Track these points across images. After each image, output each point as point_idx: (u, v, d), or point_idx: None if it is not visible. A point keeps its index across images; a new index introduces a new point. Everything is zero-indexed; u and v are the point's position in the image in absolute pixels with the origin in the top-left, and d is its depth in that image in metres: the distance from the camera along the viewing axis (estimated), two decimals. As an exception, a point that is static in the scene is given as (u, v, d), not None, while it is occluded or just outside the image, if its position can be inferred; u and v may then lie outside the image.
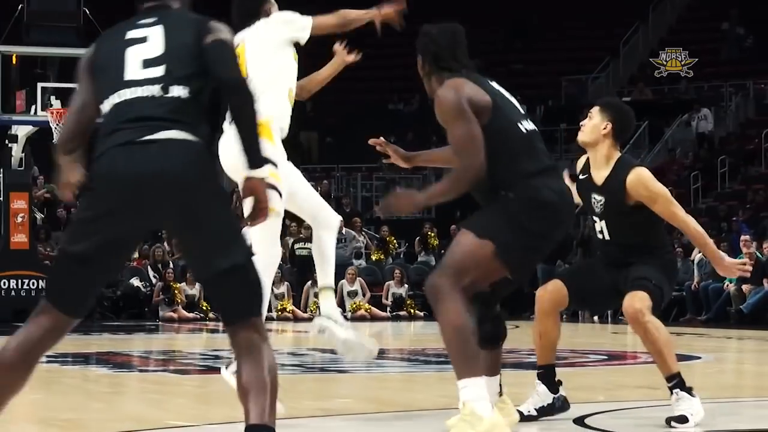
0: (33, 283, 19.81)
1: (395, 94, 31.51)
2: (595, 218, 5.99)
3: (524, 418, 5.68)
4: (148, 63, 3.87)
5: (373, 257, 23.24)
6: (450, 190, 5.06)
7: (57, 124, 18.55)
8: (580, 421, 5.83)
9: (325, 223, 6.20)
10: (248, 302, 3.88)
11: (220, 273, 3.80)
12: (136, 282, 20.97)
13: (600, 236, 6.00)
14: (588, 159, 6.02)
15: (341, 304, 19.81)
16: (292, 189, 5.99)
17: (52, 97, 18.94)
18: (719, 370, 10.42)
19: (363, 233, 23.75)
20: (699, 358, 11.15)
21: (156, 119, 3.81)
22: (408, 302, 21.28)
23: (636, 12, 31.22)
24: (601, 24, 31.96)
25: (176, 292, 20.54)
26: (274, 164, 5.56)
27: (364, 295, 21.30)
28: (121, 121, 3.84)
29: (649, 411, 6.02)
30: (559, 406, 5.87)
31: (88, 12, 19.73)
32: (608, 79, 31.16)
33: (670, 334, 5.77)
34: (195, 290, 20.71)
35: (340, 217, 6.38)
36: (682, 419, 5.58)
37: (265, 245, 5.53)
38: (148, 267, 21.41)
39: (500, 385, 5.52)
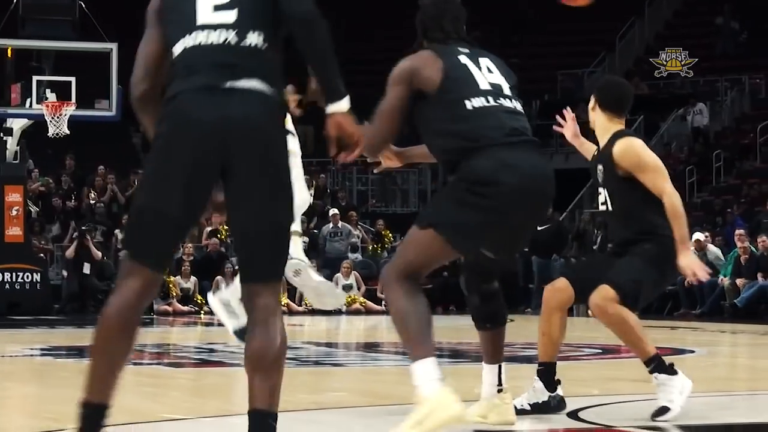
0: (27, 276, 19.83)
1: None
2: (600, 189, 6.06)
3: (517, 412, 5.65)
4: (218, 7, 3.80)
5: (369, 251, 23.26)
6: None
7: (52, 117, 18.54)
8: (573, 414, 5.83)
9: None
10: (278, 264, 3.85)
11: (266, 229, 3.76)
12: (130, 275, 20.95)
13: (604, 207, 6.06)
14: None
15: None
16: None
17: (48, 90, 18.92)
18: (713, 363, 10.44)
19: (359, 227, 23.77)
20: (693, 352, 11.18)
21: (234, 66, 3.75)
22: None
23: (632, 7, 31.27)
24: (597, 18, 31.91)
25: (171, 285, 20.54)
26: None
27: (359, 289, 21.32)
28: (197, 64, 3.77)
29: (644, 404, 6.02)
30: (554, 405, 5.83)
31: (83, 5, 19.69)
32: (604, 74, 31.16)
33: (639, 320, 5.74)
34: (190, 284, 20.72)
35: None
36: (663, 410, 5.58)
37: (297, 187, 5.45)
38: (143, 260, 21.38)
39: (500, 377, 5.34)
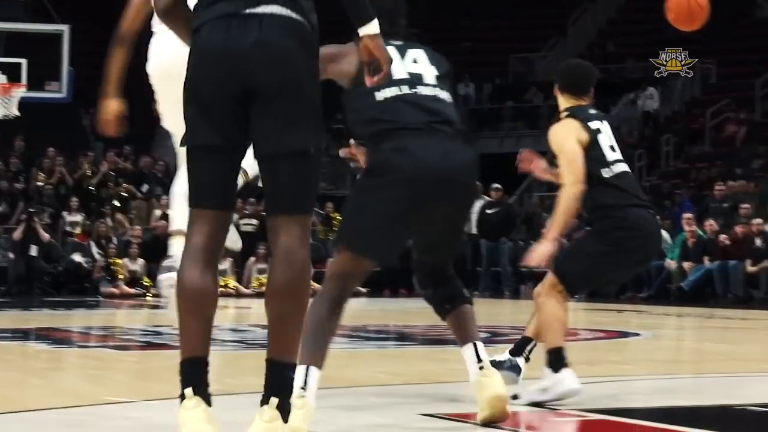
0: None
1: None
2: None
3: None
4: None
5: (319, 234, 23.22)
6: None
7: (2, 99, 18.38)
8: (516, 396, 5.84)
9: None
10: (300, 195, 3.74)
11: (285, 154, 3.69)
12: (77, 258, 20.81)
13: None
14: None
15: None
16: None
17: (-1, 72, 18.77)
18: (657, 347, 10.50)
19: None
20: (638, 335, 11.25)
21: None
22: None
23: (584, -10, 31.37)
24: (549, 2, 32.05)
25: (118, 267, 20.42)
26: None
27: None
28: None
29: (587, 387, 6.05)
30: (506, 366, 5.91)
31: (34, -14, 19.53)
32: (556, 58, 31.27)
33: (563, 314, 5.71)
34: (137, 266, 20.61)
35: None
36: (514, 397, 5.47)
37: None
38: (91, 243, 21.24)
39: (477, 355, 4.98)
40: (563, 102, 6.07)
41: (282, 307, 3.69)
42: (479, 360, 4.95)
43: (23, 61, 18.82)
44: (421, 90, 4.92)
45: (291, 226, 3.71)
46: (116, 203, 22.92)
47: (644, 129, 27.88)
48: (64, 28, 18.72)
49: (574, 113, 5.97)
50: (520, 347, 6.11)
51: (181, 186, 5.44)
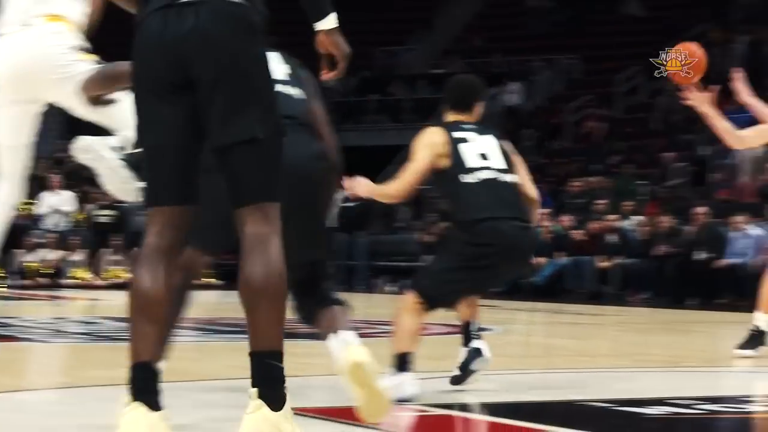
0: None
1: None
2: None
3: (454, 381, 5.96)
4: None
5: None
6: None
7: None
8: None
9: None
10: (259, 182, 3.66)
11: (235, 143, 3.61)
12: None
13: None
14: None
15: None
16: None
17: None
18: (508, 342, 10.63)
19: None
20: (489, 330, 11.36)
21: None
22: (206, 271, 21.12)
23: (450, -16, 31.53)
24: (415, -4, 32.20)
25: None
26: None
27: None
28: None
29: (434, 382, 6.12)
30: (471, 358, 6.06)
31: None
32: (422, 51, 31.44)
33: (414, 326, 5.87)
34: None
35: None
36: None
37: None
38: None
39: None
40: (446, 117, 6.18)
41: (260, 303, 3.61)
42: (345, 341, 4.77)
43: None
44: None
45: (254, 214, 3.65)
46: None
47: (506, 124, 28.18)
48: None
49: (443, 123, 6.11)
50: (466, 334, 6.18)
51: None
